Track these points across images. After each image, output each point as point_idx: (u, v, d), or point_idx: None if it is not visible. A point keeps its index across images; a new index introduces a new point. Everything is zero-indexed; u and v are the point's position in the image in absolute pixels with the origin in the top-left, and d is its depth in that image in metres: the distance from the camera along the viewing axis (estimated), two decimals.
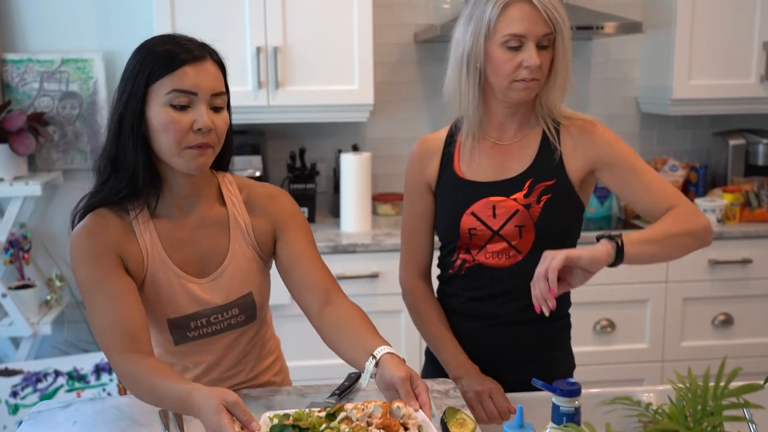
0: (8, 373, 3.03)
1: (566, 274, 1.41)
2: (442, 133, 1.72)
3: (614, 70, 3.57)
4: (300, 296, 1.53)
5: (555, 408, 1.07)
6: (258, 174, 3.13)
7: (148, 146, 1.38)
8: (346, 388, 1.57)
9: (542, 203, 1.58)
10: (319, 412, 1.20)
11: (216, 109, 1.39)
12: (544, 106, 1.61)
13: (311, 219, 3.26)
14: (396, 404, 1.18)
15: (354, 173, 3.10)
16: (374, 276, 2.94)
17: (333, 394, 1.54)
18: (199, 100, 1.35)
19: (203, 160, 1.38)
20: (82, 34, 3.27)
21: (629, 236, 1.45)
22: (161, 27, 2.91)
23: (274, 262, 1.59)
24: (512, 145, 1.64)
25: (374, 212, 3.35)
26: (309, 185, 3.26)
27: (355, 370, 1.65)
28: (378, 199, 3.40)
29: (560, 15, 1.51)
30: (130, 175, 1.38)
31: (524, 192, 1.59)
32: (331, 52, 3.04)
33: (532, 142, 1.62)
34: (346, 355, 1.40)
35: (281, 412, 1.21)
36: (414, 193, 1.73)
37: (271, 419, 1.20)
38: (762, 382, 0.90)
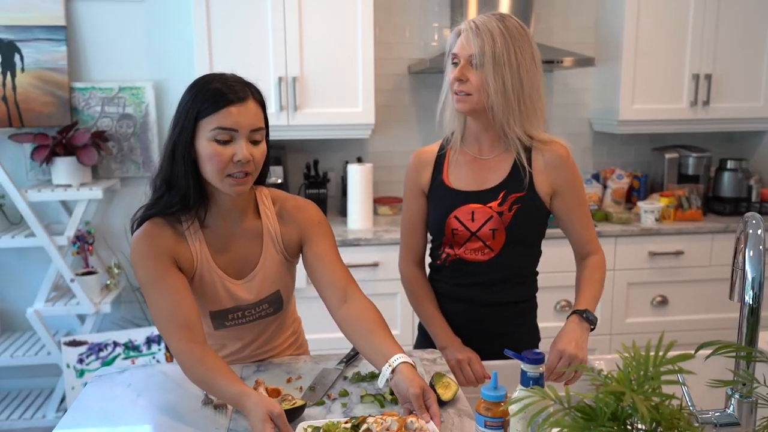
0: (75, 343, 3.03)
1: None
2: (435, 147, 1.71)
3: (571, 97, 3.57)
4: (322, 292, 1.51)
5: (523, 373, 1.06)
6: (279, 181, 3.13)
7: (197, 170, 1.38)
8: (352, 357, 1.57)
9: (513, 211, 1.58)
10: (345, 423, 1.18)
11: (255, 142, 1.38)
12: (507, 132, 1.55)
13: None
14: (410, 419, 1.17)
15: (358, 180, 3.10)
16: (375, 265, 2.94)
17: (341, 362, 1.55)
18: (240, 136, 1.34)
19: (242, 188, 1.38)
20: (135, 67, 3.26)
21: (588, 303, 1.58)
22: (200, 60, 2.92)
23: (301, 260, 1.57)
24: (490, 160, 1.62)
25: (375, 212, 3.35)
26: (321, 190, 3.26)
27: None
28: (378, 201, 3.39)
29: (482, 40, 1.48)
30: (182, 195, 1.38)
31: (498, 201, 1.59)
32: (340, 81, 3.04)
33: (507, 159, 1.61)
34: (366, 355, 1.38)
35: (315, 423, 1.20)
36: (410, 196, 1.72)
37: (305, 429, 1.18)
38: (693, 353, 0.89)
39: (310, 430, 1.17)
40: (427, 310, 1.70)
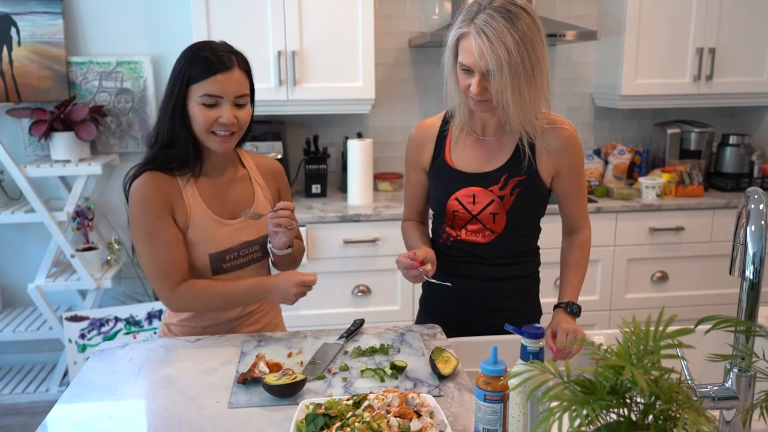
0: (77, 319, 3.04)
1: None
2: (437, 121, 1.68)
3: (573, 71, 3.54)
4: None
5: (523, 348, 1.07)
6: (279, 156, 3.11)
7: (191, 129, 1.52)
8: (353, 332, 1.58)
9: (514, 195, 1.57)
10: (347, 400, 1.19)
11: (240, 106, 1.52)
12: (512, 124, 1.51)
13: (323, 194, 3.25)
14: (410, 395, 1.17)
15: (358, 156, 3.09)
16: (375, 241, 2.94)
17: (341, 337, 1.56)
18: (225, 101, 1.50)
19: (228, 145, 1.55)
20: (133, 41, 3.23)
21: (573, 293, 1.61)
22: (198, 34, 2.88)
23: None
24: (493, 141, 1.60)
25: (375, 188, 3.34)
26: (321, 166, 3.25)
27: (360, 317, 1.66)
28: (378, 177, 3.38)
29: (499, 56, 1.39)
30: (182, 153, 1.53)
31: (500, 185, 1.58)
32: (340, 55, 3.01)
33: (509, 142, 1.59)
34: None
35: (316, 401, 1.20)
36: (411, 169, 1.72)
37: (307, 407, 1.19)
38: (692, 327, 0.90)
39: (311, 406, 1.18)
40: (412, 237, 1.72)
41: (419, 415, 1.13)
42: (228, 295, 1.56)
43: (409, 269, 1.51)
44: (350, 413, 1.13)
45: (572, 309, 1.56)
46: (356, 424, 1.08)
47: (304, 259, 2.87)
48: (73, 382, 1.38)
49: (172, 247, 1.52)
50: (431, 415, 1.15)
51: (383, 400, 1.15)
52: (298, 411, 1.17)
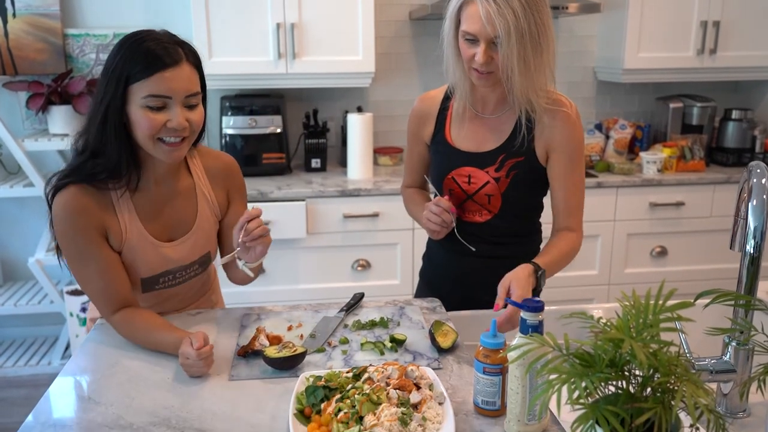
0: (78, 292, 3.06)
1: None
2: (440, 94, 1.65)
3: (576, 44, 3.51)
4: (223, 249, 1.59)
5: (523, 321, 1.07)
6: (279, 131, 3.10)
7: (128, 135, 1.32)
8: (352, 305, 1.58)
9: (510, 177, 1.55)
10: (347, 372, 1.19)
11: (191, 107, 1.32)
12: (516, 96, 1.47)
13: (323, 168, 3.24)
14: (410, 367, 1.18)
15: (358, 130, 3.07)
16: (375, 215, 2.94)
17: (341, 310, 1.56)
18: (174, 102, 1.29)
19: (178, 153, 1.34)
20: (131, 13, 3.20)
21: (549, 266, 1.47)
22: (197, 5, 2.85)
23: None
24: (491, 119, 1.57)
25: (375, 163, 3.33)
26: (321, 140, 3.23)
27: (360, 291, 1.66)
28: (378, 151, 3.37)
29: (507, 20, 1.35)
30: (112, 164, 1.31)
31: (496, 166, 1.55)
32: (339, 28, 2.98)
33: (508, 120, 1.55)
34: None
35: (316, 373, 1.20)
36: (413, 140, 1.71)
37: (307, 379, 1.18)
38: (692, 301, 0.90)
39: (311, 379, 1.19)
40: (414, 201, 1.73)
41: (418, 388, 1.14)
42: (156, 345, 1.35)
43: (445, 212, 1.53)
44: (350, 385, 1.14)
45: (540, 278, 1.43)
46: (356, 396, 1.09)
47: (304, 233, 2.88)
48: (75, 354, 1.39)
49: (106, 273, 1.36)
50: (430, 387, 1.16)
51: (383, 372, 1.16)
52: (299, 383, 1.17)
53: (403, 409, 1.07)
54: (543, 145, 1.54)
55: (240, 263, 1.40)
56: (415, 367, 1.18)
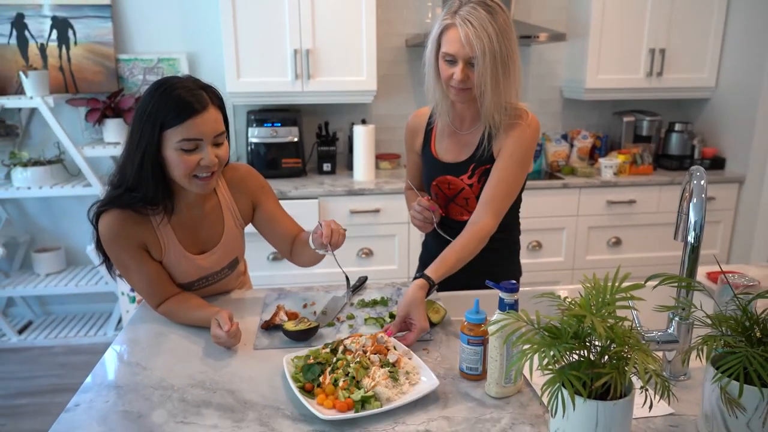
0: None
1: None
2: (428, 112, 1.62)
3: (545, 68, 3.49)
4: (275, 243, 1.53)
5: (501, 300, 1.07)
6: (296, 140, 3.09)
7: (163, 172, 1.28)
8: (357, 287, 1.58)
9: (481, 183, 1.51)
10: (323, 349, 1.15)
11: (218, 145, 1.28)
12: (485, 110, 1.43)
13: (333, 171, 3.23)
14: (379, 334, 1.18)
15: (363, 139, 3.05)
16: (377, 211, 2.93)
17: (348, 291, 1.56)
18: (205, 144, 1.25)
19: (210, 185, 1.30)
20: (172, 40, 3.18)
21: (437, 273, 1.34)
22: (227, 35, 2.84)
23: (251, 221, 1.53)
24: (466, 135, 1.54)
25: (377, 167, 3.32)
26: (331, 147, 3.22)
27: (364, 275, 1.66)
28: (380, 157, 3.36)
29: (483, 42, 1.32)
30: (151, 197, 1.28)
31: (468, 174, 1.53)
32: (347, 53, 2.96)
33: (477, 133, 1.52)
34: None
35: (300, 354, 1.15)
36: (409, 151, 1.69)
37: (292, 360, 1.14)
38: (643, 283, 0.90)
39: (294, 360, 1.14)
40: (412, 197, 1.69)
41: (388, 350, 1.14)
42: (192, 321, 1.35)
43: (425, 210, 1.54)
44: (335, 359, 1.11)
45: (432, 288, 1.34)
46: (352, 364, 1.08)
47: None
48: (126, 327, 1.39)
49: (148, 280, 1.35)
50: (395, 348, 1.16)
51: (358, 342, 1.15)
52: (286, 365, 1.12)
53: (389, 368, 1.08)
54: (497, 150, 1.49)
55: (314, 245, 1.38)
56: (382, 333, 1.19)
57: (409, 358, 1.14)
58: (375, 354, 1.12)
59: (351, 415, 0.99)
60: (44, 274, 3.19)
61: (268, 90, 2.95)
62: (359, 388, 1.04)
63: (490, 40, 1.33)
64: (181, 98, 1.21)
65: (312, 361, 1.12)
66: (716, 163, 3.33)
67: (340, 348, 1.15)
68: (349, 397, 1.02)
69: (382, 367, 1.08)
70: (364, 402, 1.01)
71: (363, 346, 1.14)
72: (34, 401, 2.63)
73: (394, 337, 1.23)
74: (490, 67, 1.35)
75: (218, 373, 1.16)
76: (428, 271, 1.34)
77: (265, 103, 3.14)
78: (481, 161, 1.51)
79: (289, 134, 3.08)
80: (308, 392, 1.06)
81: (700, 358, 0.91)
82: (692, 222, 1.06)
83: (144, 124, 1.22)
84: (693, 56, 3.24)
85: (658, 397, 0.86)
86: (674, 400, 0.97)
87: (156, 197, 1.29)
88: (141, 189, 1.27)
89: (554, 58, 3.47)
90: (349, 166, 3.30)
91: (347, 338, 1.18)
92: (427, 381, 1.08)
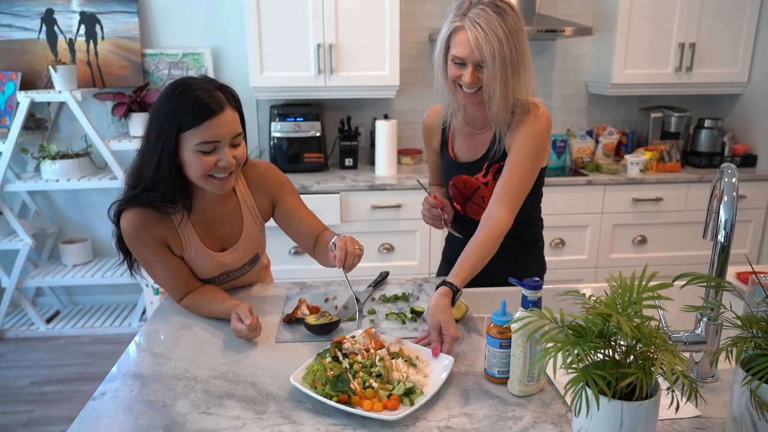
0: None
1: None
2: (440, 111, 1.60)
3: (571, 63, 3.44)
4: (298, 240, 1.49)
5: (524, 297, 1.06)
6: (318, 134, 3.10)
7: (180, 172, 1.28)
8: (379, 282, 1.58)
9: (496, 181, 1.48)
10: (324, 360, 1.10)
11: (235, 146, 1.27)
12: (492, 112, 1.40)
13: (355, 166, 3.24)
14: (373, 330, 1.18)
15: (385, 134, 3.05)
16: (398, 206, 2.93)
17: (369, 286, 1.56)
18: (223, 145, 1.24)
19: (228, 185, 1.29)
20: (196, 35, 3.21)
21: (460, 280, 1.29)
22: (251, 30, 2.86)
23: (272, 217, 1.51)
24: (480, 134, 1.52)
25: (399, 162, 3.32)
26: (353, 142, 3.22)
27: (385, 270, 1.66)
28: (402, 152, 3.35)
29: (492, 46, 1.29)
30: (169, 196, 1.28)
31: (483, 172, 1.52)
32: (369, 48, 2.96)
33: (491, 133, 1.49)
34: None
35: (302, 374, 1.08)
36: (428, 149, 1.69)
37: (303, 379, 1.06)
38: (671, 282, 0.88)
39: (304, 378, 1.07)
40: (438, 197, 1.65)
41: (384, 342, 1.16)
42: (214, 314, 1.36)
43: (432, 208, 1.54)
44: (346, 364, 1.08)
45: (455, 293, 1.28)
46: (377, 365, 1.07)
47: (339, 221, 2.88)
48: (150, 318, 1.41)
49: (170, 274, 1.36)
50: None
51: (360, 343, 1.14)
52: (302, 386, 1.03)
53: (402, 357, 1.10)
54: (508, 146, 1.47)
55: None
56: (374, 331, 1.19)
57: (402, 347, 1.17)
58: (380, 349, 1.13)
59: (412, 409, 0.97)
60: (71, 265, 3.26)
61: (291, 85, 2.97)
62: (389, 383, 1.04)
63: (500, 44, 1.31)
64: (199, 100, 1.20)
65: (330, 374, 1.04)
66: (747, 161, 3.25)
67: (344, 350, 1.14)
68: (391, 393, 1.01)
69: (392, 358, 1.10)
70: (408, 393, 1.02)
71: (364, 345, 1.14)
72: (61, 389, 2.69)
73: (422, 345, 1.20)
74: (500, 71, 1.33)
75: (240, 365, 1.17)
76: (450, 278, 1.30)
77: (287, 98, 3.16)
78: (495, 159, 1.50)
79: (311, 129, 3.10)
80: (344, 403, 1.00)
81: (729, 360, 0.89)
82: (722, 220, 1.03)
83: (161, 125, 1.21)
84: (724, 50, 3.16)
85: (684, 399, 0.84)
86: (701, 402, 0.96)
87: (174, 196, 1.28)
88: (159, 189, 1.27)
89: (580, 52, 3.42)
90: (371, 161, 3.30)
91: (340, 341, 1.15)
92: (436, 360, 1.12)
